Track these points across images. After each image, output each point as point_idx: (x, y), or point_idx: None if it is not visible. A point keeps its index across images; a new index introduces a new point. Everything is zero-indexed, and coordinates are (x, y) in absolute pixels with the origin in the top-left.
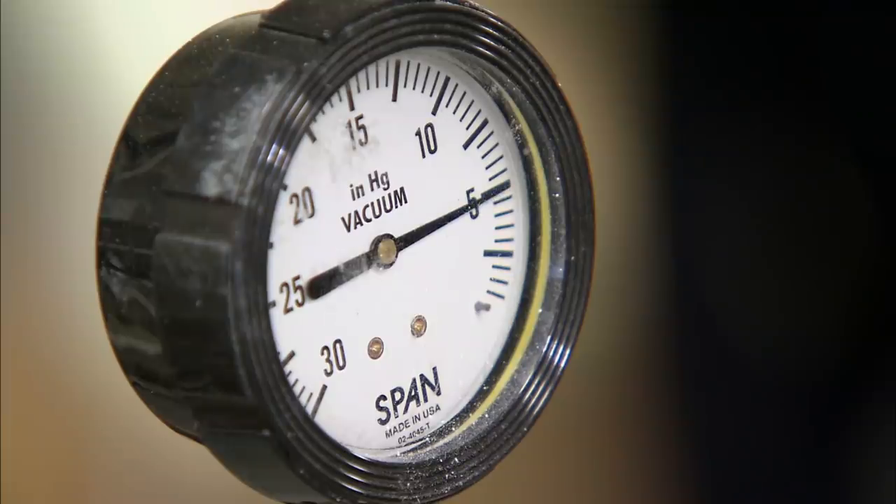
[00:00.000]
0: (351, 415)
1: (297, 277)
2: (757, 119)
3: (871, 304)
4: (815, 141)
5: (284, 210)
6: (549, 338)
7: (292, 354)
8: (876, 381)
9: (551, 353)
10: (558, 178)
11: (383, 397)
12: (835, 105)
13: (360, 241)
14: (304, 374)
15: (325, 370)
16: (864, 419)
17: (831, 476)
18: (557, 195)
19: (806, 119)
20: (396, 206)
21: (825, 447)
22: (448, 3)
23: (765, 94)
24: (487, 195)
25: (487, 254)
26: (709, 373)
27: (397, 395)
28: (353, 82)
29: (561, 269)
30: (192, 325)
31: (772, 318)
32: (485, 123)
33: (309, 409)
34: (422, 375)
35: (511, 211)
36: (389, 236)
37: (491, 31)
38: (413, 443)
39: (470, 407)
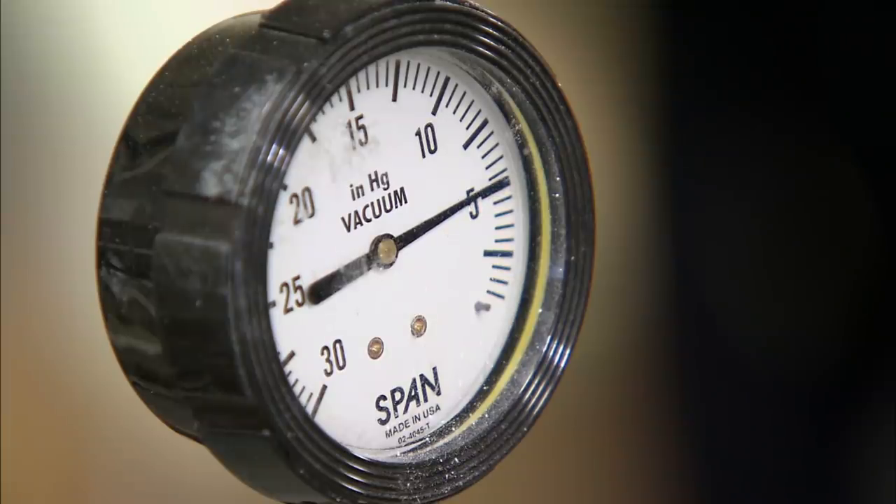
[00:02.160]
0: (351, 415)
1: (298, 277)
2: (757, 119)
3: (871, 304)
4: (815, 141)
5: (284, 210)
6: (549, 338)
7: (292, 354)
8: (876, 381)
9: (551, 353)
10: (558, 178)
11: (383, 397)
12: (835, 105)
13: (360, 241)
14: (304, 374)
15: (325, 370)
16: (864, 419)
17: (831, 476)
18: (557, 195)
19: (806, 119)
20: (396, 206)
21: (825, 447)
22: (448, 3)
23: (765, 94)
24: (486, 192)
25: (487, 254)
26: (709, 373)
27: (397, 395)
28: (353, 82)
29: (561, 269)
30: (192, 325)
31: (772, 318)
32: (485, 123)
33: (309, 409)
34: (422, 375)
35: (511, 211)
36: (389, 236)
37: (491, 31)
38: (413, 443)
39: (470, 407)
